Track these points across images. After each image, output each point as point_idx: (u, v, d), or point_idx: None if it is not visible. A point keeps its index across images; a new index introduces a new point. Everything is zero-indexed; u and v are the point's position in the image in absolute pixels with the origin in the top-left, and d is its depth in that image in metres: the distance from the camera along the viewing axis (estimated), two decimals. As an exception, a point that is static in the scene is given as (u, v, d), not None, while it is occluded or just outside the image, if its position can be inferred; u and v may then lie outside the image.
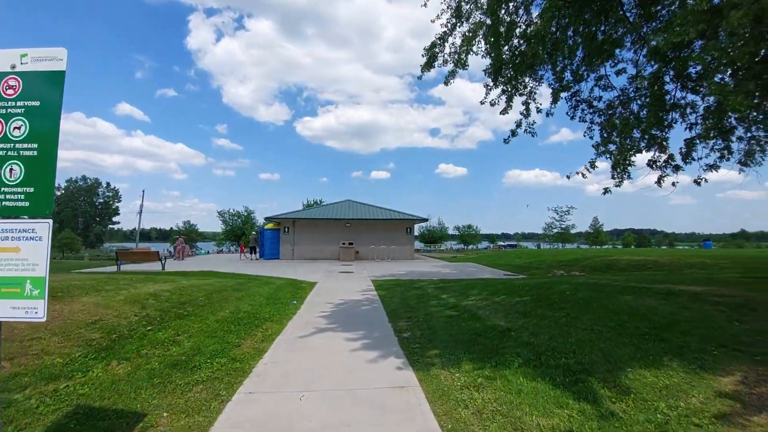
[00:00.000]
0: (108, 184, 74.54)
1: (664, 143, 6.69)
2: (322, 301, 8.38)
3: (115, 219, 77.54)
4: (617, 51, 8.80)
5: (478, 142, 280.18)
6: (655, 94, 6.22)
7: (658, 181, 6.84)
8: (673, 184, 6.82)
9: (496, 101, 9.64)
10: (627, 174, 7.04)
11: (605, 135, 7.40)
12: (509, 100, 9.47)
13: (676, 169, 6.84)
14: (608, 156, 7.16)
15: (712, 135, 6.68)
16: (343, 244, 22.12)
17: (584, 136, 9.15)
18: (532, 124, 9.45)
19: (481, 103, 9.86)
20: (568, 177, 7.58)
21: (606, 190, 7.20)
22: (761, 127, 6.10)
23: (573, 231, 56.23)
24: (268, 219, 23.16)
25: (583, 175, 7.42)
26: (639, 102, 6.97)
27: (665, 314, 4.59)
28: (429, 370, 4.03)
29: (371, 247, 22.39)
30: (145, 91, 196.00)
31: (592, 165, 7.42)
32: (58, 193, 68.53)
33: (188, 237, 50.06)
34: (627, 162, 7.13)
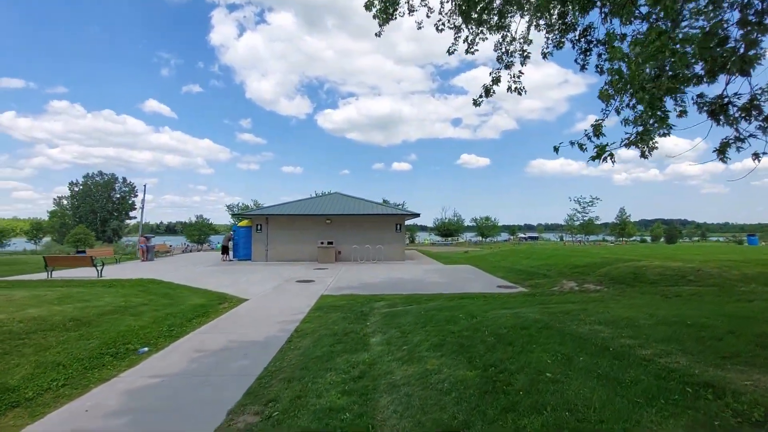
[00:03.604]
0: (124, 179, 74.68)
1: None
2: (192, 347, 5.59)
3: (132, 214, 78.55)
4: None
5: (502, 132, 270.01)
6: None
7: (757, 156, 3.52)
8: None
9: (472, 47, 6.60)
10: (668, 128, 3.81)
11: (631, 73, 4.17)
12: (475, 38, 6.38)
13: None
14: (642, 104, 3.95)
15: None
16: (322, 243, 19.31)
17: (603, 88, 5.93)
18: (518, 77, 6.30)
19: (449, 52, 6.83)
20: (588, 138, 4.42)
21: (632, 140, 4.04)
22: None
23: (598, 222, 51.29)
24: (236, 216, 20.51)
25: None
26: None
27: None
28: None
29: (354, 247, 19.49)
30: (172, 88, 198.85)
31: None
32: (76, 189, 68.66)
33: (200, 231, 47.30)
34: (661, 115, 3.96)
